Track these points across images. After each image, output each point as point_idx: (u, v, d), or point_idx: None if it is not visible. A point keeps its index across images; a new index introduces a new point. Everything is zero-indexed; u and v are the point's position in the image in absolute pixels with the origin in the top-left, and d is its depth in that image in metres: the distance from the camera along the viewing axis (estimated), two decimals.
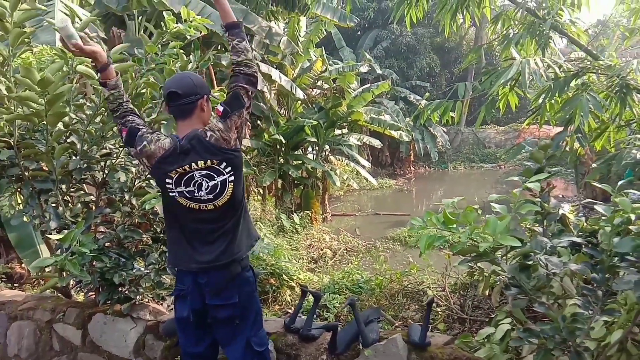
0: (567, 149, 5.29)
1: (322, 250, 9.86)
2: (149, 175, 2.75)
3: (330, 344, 2.37)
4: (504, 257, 1.97)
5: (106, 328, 2.85)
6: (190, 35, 3.13)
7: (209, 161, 1.96)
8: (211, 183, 1.97)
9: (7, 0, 2.41)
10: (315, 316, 4.13)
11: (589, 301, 2.03)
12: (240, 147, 2.07)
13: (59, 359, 2.95)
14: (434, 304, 4.20)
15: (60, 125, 2.66)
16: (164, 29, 3.12)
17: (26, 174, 2.77)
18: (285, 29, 10.97)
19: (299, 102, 12.04)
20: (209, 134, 1.97)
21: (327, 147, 12.76)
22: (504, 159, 23.79)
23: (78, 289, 3.05)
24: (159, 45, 3.01)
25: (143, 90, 2.91)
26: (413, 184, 20.31)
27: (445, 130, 22.60)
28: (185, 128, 2.02)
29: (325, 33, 12.79)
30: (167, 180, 1.99)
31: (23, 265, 5.19)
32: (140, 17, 9.19)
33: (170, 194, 2.01)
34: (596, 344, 2.56)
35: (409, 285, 4.85)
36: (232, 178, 2.00)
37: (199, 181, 1.97)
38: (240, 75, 2.04)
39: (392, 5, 24.15)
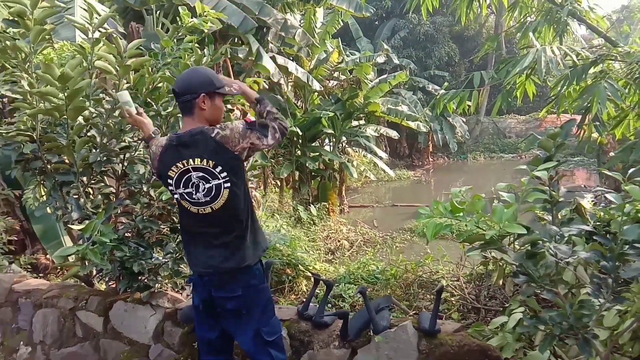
0: (585, 137, 5.23)
1: (339, 241, 9.92)
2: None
3: (341, 331, 2.42)
4: (511, 245, 1.98)
5: (127, 315, 2.95)
6: (206, 30, 3.19)
7: (205, 160, 1.97)
8: (207, 185, 1.99)
9: None
10: (329, 305, 4.19)
11: (600, 289, 2.03)
12: (243, 163, 2.08)
13: (82, 344, 3.06)
14: (448, 294, 4.23)
15: (80, 119, 2.76)
16: (180, 23, 3.18)
17: (49, 167, 2.87)
18: (302, 21, 10.97)
19: (316, 93, 12.05)
20: (217, 131, 1.99)
21: (344, 138, 12.76)
22: (524, 149, 23.47)
23: (99, 278, 3.15)
24: (175, 40, 3.07)
25: (159, 85, 2.99)
26: (431, 175, 20.19)
27: (464, 120, 22.33)
28: (188, 124, 2.06)
29: (342, 24, 12.74)
30: (169, 181, 2.04)
31: (48, 256, 5.37)
32: (157, 12, 9.32)
33: (175, 196, 2.07)
34: (609, 332, 2.56)
35: (424, 276, 4.88)
36: (227, 184, 1.99)
37: (196, 182, 1.99)
38: (276, 121, 2.10)
39: None
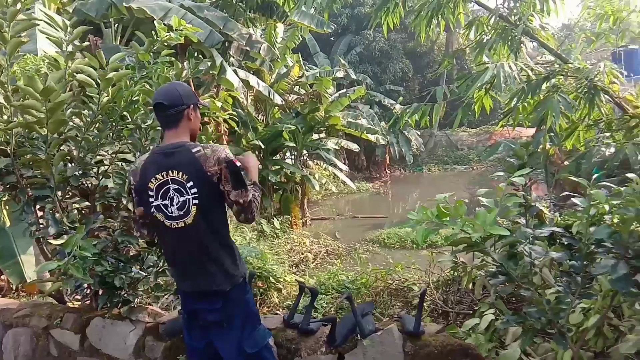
0: (539, 149, 5.55)
1: (303, 254, 9.94)
2: None
3: (329, 336, 2.48)
4: (492, 247, 2.12)
5: (105, 331, 2.90)
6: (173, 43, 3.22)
7: (180, 173, 2.00)
8: (180, 199, 2.00)
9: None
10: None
11: (569, 286, 2.19)
12: (216, 184, 2.03)
13: None
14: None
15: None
16: (155, 36, 3.19)
17: (23, 181, 2.81)
18: (262, 35, 11.07)
19: (276, 107, 12.14)
20: (198, 147, 2.03)
21: (305, 151, 12.89)
22: (476, 160, 24.35)
23: (75, 294, 3.08)
24: (151, 53, 3.09)
25: (136, 97, 2.99)
26: (389, 186, 20.59)
27: (419, 133, 23.01)
28: (171, 137, 2.09)
29: (301, 39, 12.94)
30: (149, 192, 2.05)
31: (2, 276, 5.16)
32: (116, 25, 9.18)
33: (152, 210, 2.06)
34: (575, 329, 2.75)
35: (393, 284, 5.01)
36: (195, 201, 1.99)
37: (172, 195, 2.01)
38: (253, 202, 2.06)
39: (366, 11, 24.39)
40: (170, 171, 2.00)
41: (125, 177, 3.04)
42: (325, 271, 7.90)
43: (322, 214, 14.78)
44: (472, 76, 5.04)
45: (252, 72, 10.59)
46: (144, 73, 3.00)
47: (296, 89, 12.92)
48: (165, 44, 3.19)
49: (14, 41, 2.53)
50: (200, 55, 9.19)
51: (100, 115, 2.75)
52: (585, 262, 2.13)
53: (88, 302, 3.14)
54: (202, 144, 2.06)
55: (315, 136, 12.75)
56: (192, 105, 2.09)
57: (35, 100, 2.32)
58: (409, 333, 2.40)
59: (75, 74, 2.68)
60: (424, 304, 4.31)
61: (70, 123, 2.73)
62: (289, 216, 11.43)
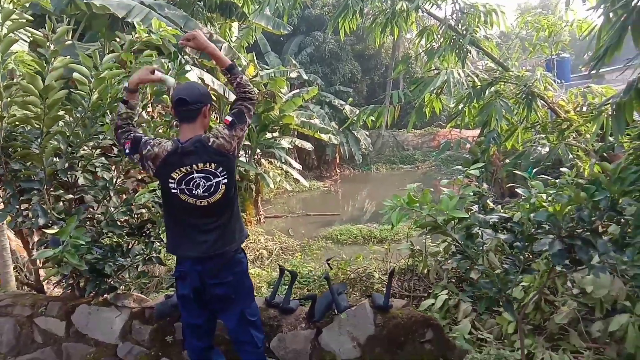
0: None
1: (258, 251, 10.15)
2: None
3: (308, 313, 2.77)
4: (452, 230, 2.47)
5: (91, 317, 3.04)
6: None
7: (207, 164, 2.26)
8: (208, 183, 2.27)
9: None
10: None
11: (514, 264, 2.58)
12: (237, 155, 2.39)
13: (42, 350, 3.08)
14: (379, 284, 4.73)
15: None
16: (134, 36, 3.35)
17: (9, 175, 2.90)
18: (218, 34, 11.15)
19: (229, 106, 12.25)
20: (212, 139, 2.28)
21: (258, 150, 13.07)
22: (421, 160, 25.35)
23: (62, 283, 3.18)
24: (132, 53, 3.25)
25: (121, 95, 3.14)
26: (339, 185, 21.08)
27: (367, 133, 23.68)
28: (188, 131, 2.32)
29: (255, 39, 13.09)
30: (170, 180, 2.28)
31: None
32: (68, 20, 9.00)
33: (172, 191, 2.29)
34: (517, 304, 3.18)
35: (352, 274, 5.35)
36: (225, 180, 2.30)
37: (198, 181, 2.27)
38: (247, 100, 2.39)
39: (316, 13, 24.58)
40: (194, 165, 2.25)
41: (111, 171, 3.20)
42: (292, 262, 8.17)
43: (274, 212, 15.00)
44: (424, 81, 5.45)
45: (205, 69, 10.66)
46: (130, 72, 3.18)
47: None
48: (146, 45, 3.37)
49: (8, 40, 2.64)
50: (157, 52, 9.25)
51: (89, 112, 2.89)
52: (527, 243, 2.53)
53: (69, 291, 3.25)
54: (211, 135, 2.30)
55: (268, 135, 12.97)
56: (208, 104, 2.35)
57: (35, 96, 2.46)
58: (379, 307, 2.73)
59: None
60: (384, 289, 4.72)
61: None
62: (243, 214, 11.59)
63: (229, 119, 2.33)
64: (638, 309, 2.84)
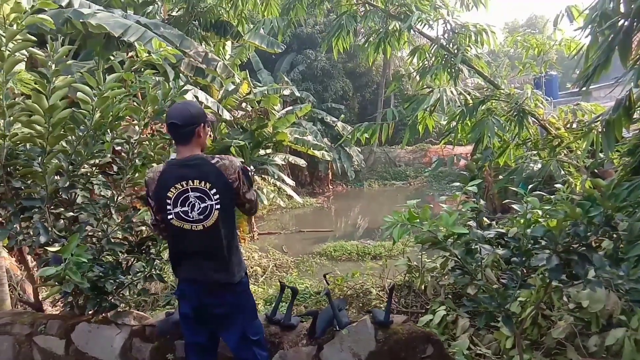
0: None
1: (252, 268, 10.13)
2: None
3: (310, 329, 2.78)
4: (452, 245, 2.52)
5: (91, 335, 3.04)
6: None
7: (203, 182, 2.26)
8: (202, 205, 2.26)
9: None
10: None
11: (512, 278, 2.63)
12: (234, 191, 2.32)
13: None
14: (377, 301, 4.74)
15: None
16: (136, 56, 3.41)
17: (10, 193, 2.92)
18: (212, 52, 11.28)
19: (223, 123, 12.32)
20: (216, 159, 2.30)
21: (252, 167, 13.10)
22: (413, 177, 25.51)
23: (61, 301, 3.18)
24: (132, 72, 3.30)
25: (122, 114, 3.19)
26: (332, 201, 21.12)
27: (359, 150, 23.85)
28: (185, 151, 2.34)
29: (248, 57, 13.24)
30: (167, 200, 2.28)
31: None
32: (62, 39, 9.06)
33: (169, 217, 2.29)
34: (515, 319, 3.21)
35: (349, 290, 5.37)
36: (217, 206, 2.25)
37: (193, 202, 2.26)
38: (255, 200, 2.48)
39: (307, 31, 24.90)
40: (190, 181, 2.25)
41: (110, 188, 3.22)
42: (274, 285, 8.16)
43: (267, 229, 14.98)
44: (418, 99, 5.54)
45: (199, 87, 10.75)
46: (131, 91, 3.24)
47: (243, 105, 13.18)
48: (146, 64, 3.42)
49: (12, 59, 2.68)
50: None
51: (92, 131, 2.93)
52: (524, 258, 2.58)
53: (69, 309, 3.24)
54: (217, 156, 2.33)
55: (262, 152, 13.04)
56: (202, 124, 2.36)
57: (40, 115, 2.49)
58: (380, 323, 2.75)
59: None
60: (382, 306, 4.73)
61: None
62: (237, 233, 11.57)
63: (249, 168, 2.44)
64: (634, 323, 2.89)
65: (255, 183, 2.36)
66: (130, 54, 3.64)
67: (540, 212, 2.63)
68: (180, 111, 2.35)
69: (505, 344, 3.47)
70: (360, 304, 4.92)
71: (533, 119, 5.22)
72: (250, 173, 2.40)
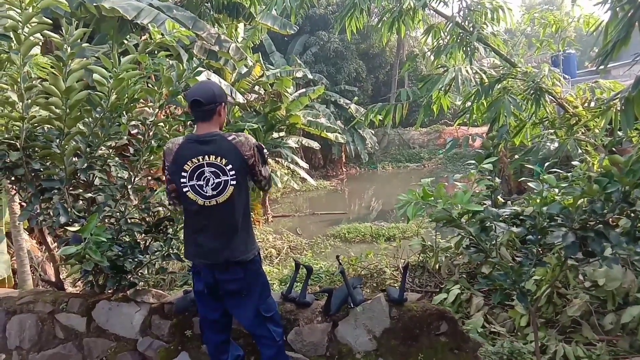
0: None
1: (266, 250, 10.23)
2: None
3: (324, 306, 2.82)
4: (466, 223, 2.51)
5: (111, 313, 3.11)
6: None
7: (219, 158, 2.29)
8: (216, 180, 2.29)
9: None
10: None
11: (528, 256, 2.62)
12: (249, 167, 2.35)
13: (64, 345, 3.15)
14: (392, 280, 4.77)
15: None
16: (149, 39, 3.42)
17: (30, 174, 2.97)
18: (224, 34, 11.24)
19: (237, 107, 12.33)
20: (233, 136, 2.33)
21: (265, 150, 13.14)
22: (427, 158, 25.34)
23: (81, 280, 3.26)
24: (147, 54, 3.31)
25: (137, 96, 3.21)
26: (346, 184, 21.13)
27: (373, 132, 23.73)
28: (204, 129, 2.37)
29: (261, 39, 13.17)
30: (183, 173, 2.31)
31: None
32: (77, 22, 9.11)
33: (184, 189, 2.32)
34: (530, 298, 3.21)
35: (363, 271, 5.41)
36: (233, 182, 2.29)
37: (208, 177, 2.30)
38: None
39: (320, 12, 24.62)
40: (207, 156, 2.28)
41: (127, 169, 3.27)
42: (289, 266, 8.24)
43: (282, 211, 15.08)
44: (432, 78, 5.48)
45: (212, 70, 10.74)
46: (145, 73, 3.26)
47: (256, 88, 13.16)
48: (159, 46, 3.43)
49: (28, 42, 2.71)
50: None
51: (108, 113, 2.96)
52: (539, 236, 2.57)
53: (89, 288, 3.32)
54: (233, 133, 2.36)
55: (275, 134, 13.05)
56: (223, 103, 2.40)
57: (57, 97, 2.53)
58: (394, 300, 2.77)
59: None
60: (396, 285, 4.76)
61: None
62: (251, 213, 11.66)
63: (263, 146, 2.47)
64: None
65: (269, 165, 2.37)
66: (144, 37, 3.64)
67: (556, 191, 2.61)
68: (204, 89, 2.38)
69: (519, 321, 3.49)
70: (375, 284, 4.96)
71: (550, 97, 5.14)
72: (264, 150, 2.43)
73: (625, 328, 3.10)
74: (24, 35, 2.71)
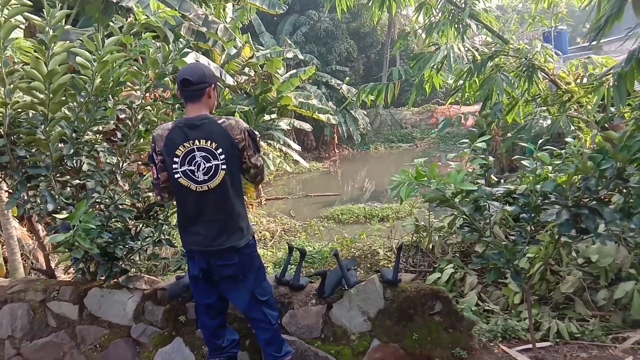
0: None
1: (260, 232, 10.22)
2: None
3: (319, 289, 2.81)
4: (460, 203, 2.50)
5: (104, 300, 3.08)
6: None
7: (209, 142, 2.25)
8: (207, 165, 2.25)
9: None
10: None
11: (521, 235, 2.61)
12: (239, 152, 2.30)
13: (56, 334, 3.13)
14: (385, 261, 4.78)
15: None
16: (135, 20, 3.33)
17: (15, 161, 2.91)
18: (212, 15, 11.03)
19: (227, 89, 12.17)
20: (223, 119, 2.29)
21: (257, 132, 13.04)
22: (420, 138, 25.33)
23: (73, 267, 3.22)
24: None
25: (123, 79, 3.13)
26: (338, 165, 21.09)
27: (365, 113, 23.62)
28: (193, 111, 2.32)
29: (249, 19, 12.95)
30: (175, 159, 2.27)
31: None
32: (60, 5, 8.89)
33: (175, 176, 2.28)
34: (523, 275, 3.22)
35: (357, 252, 5.40)
36: (224, 166, 2.25)
37: (199, 161, 2.25)
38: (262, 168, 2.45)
39: None
40: (197, 140, 2.24)
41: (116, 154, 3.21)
42: (283, 249, 8.23)
43: (275, 194, 15.05)
44: (424, 57, 5.40)
45: (201, 52, 10.57)
46: (132, 55, 3.17)
47: (246, 69, 12.98)
48: (145, 27, 3.34)
49: (8, 25, 2.62)
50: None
51: (93, 97, 2.89)
52: (533, 214, 2.56)
53: (80, 275, 3.29)
54: (223, 116, 2.31)
55: (267, 117, 12.92)
56: (213, 85, 2.35)
57: (40, 82, 2.45)
58: (388, 282, 2.76)
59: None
60: (389, 265, 4.77)
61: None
62: (244, 196, 11.62)
63: (256, 132, 2.41)
64: None
65: (262, 149, 2.31)
66: (129, 20, 3.55)
67: (550, 168, 2.59)
68: (194, 69, 2.33)
69: (513, 299, 3.50)
70: (368, 265, 4.96)
71: (543, 74, 5.10)
72: (257, 137, 2.37)
73: (617, 304, 3.12)
74: (4, 17, 2.62)
